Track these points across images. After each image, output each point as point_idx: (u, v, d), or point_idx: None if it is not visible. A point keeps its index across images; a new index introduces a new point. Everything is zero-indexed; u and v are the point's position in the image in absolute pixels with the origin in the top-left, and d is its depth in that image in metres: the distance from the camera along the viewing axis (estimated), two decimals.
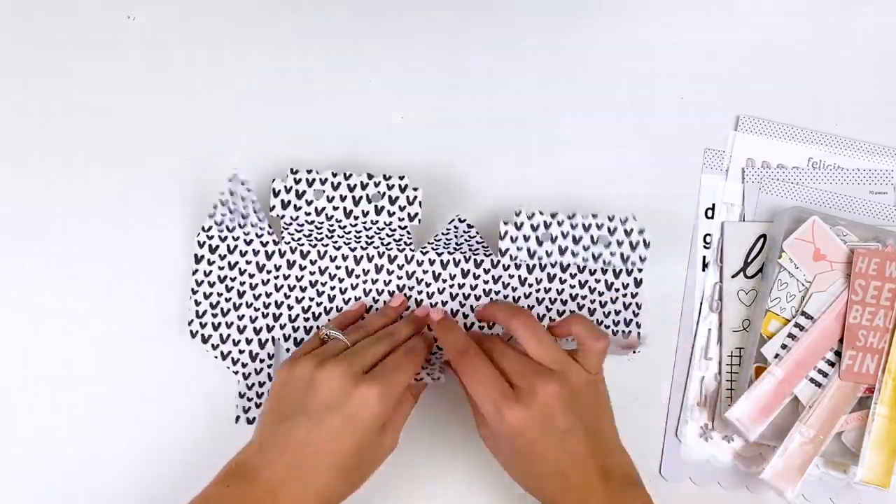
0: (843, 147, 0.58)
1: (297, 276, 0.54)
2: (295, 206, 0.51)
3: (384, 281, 0.54)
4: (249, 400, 0.52)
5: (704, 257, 0.57)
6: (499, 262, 0.54)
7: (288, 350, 0.54)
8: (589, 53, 0.59)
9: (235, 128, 0.57)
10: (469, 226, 0.50)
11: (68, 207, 0.56)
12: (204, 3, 0.59)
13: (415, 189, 0.51)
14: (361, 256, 0.54)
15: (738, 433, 0.54)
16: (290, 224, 0.51)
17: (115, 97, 0.57)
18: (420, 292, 0.54)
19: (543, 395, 0.44)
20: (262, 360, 0.53)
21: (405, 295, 0.54)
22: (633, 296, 0.54)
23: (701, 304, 0.56)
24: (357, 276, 0.54)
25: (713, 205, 0.57)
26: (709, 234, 0.57)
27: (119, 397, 0.53)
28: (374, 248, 0.53)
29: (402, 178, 0.51)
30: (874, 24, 0.61)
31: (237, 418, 0.52)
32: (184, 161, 0.56)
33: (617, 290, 0.54)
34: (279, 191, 0.50)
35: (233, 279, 0.53)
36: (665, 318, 0.56)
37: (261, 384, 0.53)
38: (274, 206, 0.51)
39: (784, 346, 0.53)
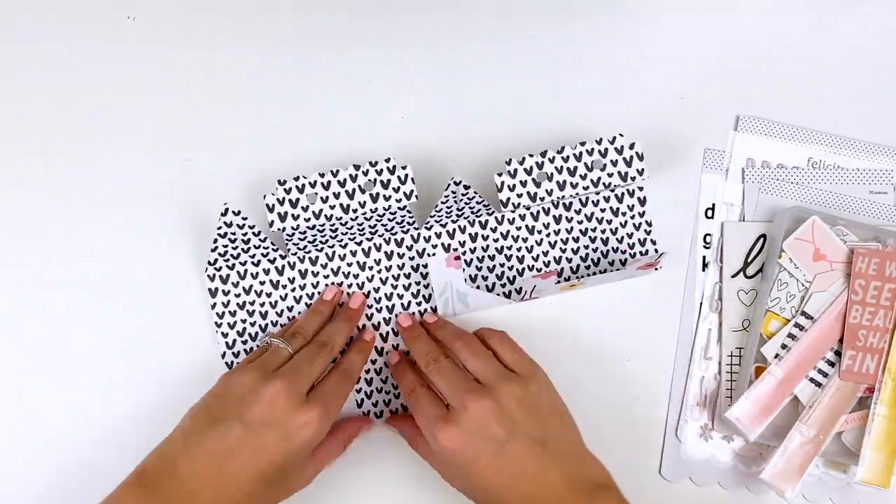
0: (843, 147, 0.58)
1: (312, 284, 0.54)
2: (293, 215, 0.51)
3: (398, 266, 0.54)
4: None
5: (704, 257, 0.57)
6: (503, 216, 0.54)
7: None
8: (589, 53, 0.59)
9: (235, 127, 0.57)
10: (466, 186, 0.50)
11: (67, 207, 0.56)
12: (203, 3, 0.59)
13: (403, 167, 0.51)
14: (370, 248, 0.54)
15: (738, 433, 0.54)
16: (293, 234, 0.51)
17: (115, 97, 0.57)
18: (434, 255, 0.54)
19: (473, 410, 0.45)
20: None
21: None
22: (641, 215, 0.55)
23: (701, 304, 0.56)
24: (371, 269, 0.54)
25: (713, 205, 0.57)
26: (709, 234, 0.57)
27: (121, 400, 0.54)
28: (380, 236, 0.54)
29: (387, 160, 0.51)
30: (874, 23, 0.60)
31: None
32: (183, 161, 0.56)
33: (624, 213, 0.55)
34: (273, 205, 0.50)
35: (252, 303, 0.53)
36: (665, 318, 0.56)
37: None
38: (272, 221, 0.50)
39: (784, 346, 0.53)
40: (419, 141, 0.57)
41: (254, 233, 0.51)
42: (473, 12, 0.60)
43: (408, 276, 0.54)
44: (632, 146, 0.52)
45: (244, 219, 0.50)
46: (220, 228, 0.50)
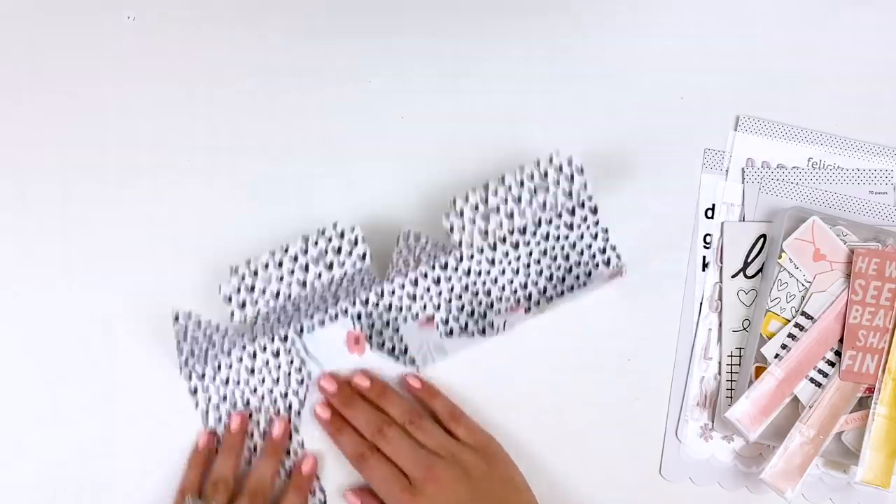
0: (843, 147, 0.58)
1: (288, 362, 0.53)
2: (252, 301, 0.50)
3: (368, 327, 0.53)
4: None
5: (704, 257, 0.57)
6: (462, 255, 0.53)
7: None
8: (589, 53, 0.59)
9: (235, 127, 0.57)
10: (416, 237, 0.50)
11: (67, 207, 0.56)
12: (203, 3, 0.59)
13: (352, 229, 0.51)
14: (336, 313, 0.53)
15: (738, 433, 0.54)
16: (256, 319, 0.51)
17: (115, 97, 0.57)
18: (405, 318, 0.53)
19: (441, 480, 0.47)
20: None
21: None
22: (596, 224, 0.54)
23: (701, 304, 0.56)
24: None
25: (713, 205, 0.57)
26: (709, 234, 0.57)
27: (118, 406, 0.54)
28: (345, 300, 0.53)
29: (334, 225, 0.51)
30: (874, 23, 0.60)
31: None
32: (183, 161, 0.56)
33: (578, 226, 0.54)
34: (230, 296, 0.50)
35: (233, 393, 0.52)
36: (665, 318, 0.56)
37: None
38: (233, 312, 0.50)
39: (784, 346, 0.53)
40: (419, 141, 0.57)
41: (215, 328, 0.50)
42: (473, 12, 0.60)
43: (380, 335, 0.53)
44: (570, 162, 0.52)
45: (198, 319, 0.50)
46: (177, 334, 0.49)
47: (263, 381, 0.52)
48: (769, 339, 0.54)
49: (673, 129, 0.58)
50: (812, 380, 0.53)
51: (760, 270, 0.56)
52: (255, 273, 0.50)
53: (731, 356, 0.55)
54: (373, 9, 0.59)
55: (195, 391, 0.52)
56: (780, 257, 0.54)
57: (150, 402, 0.53)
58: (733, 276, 0.56)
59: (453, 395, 0.53)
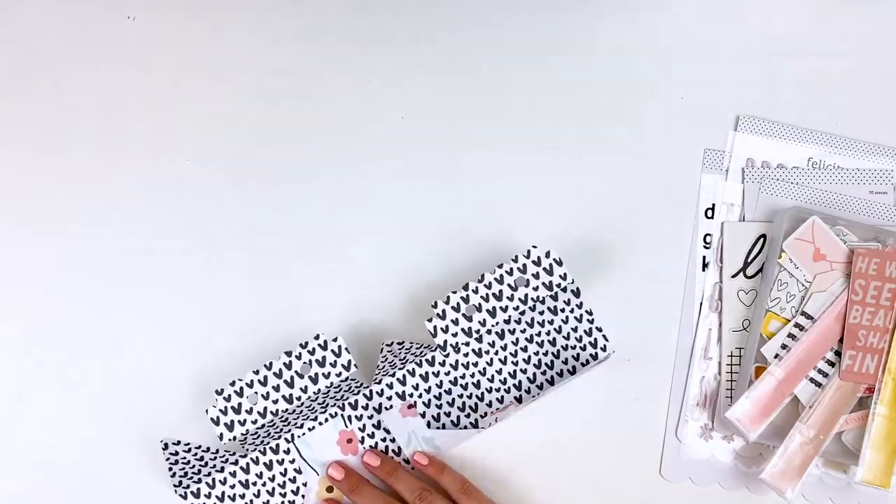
0: (843, 147, 0.58)
1: (281, 472, 0.52)
2: (239, 421, 0.50)
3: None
4: None
5: (704, 257, 0.57)
6: (447, 351, 0.53)
7: None
8: (589, 53, 0.59)
9: (235, 127, 0.57)
10: (399, 342, 0.51)
11: (70, 203, 0.56)
12: (204, 3, 0.59)
13: (335, 340, 0.51)
14: (326, 418, 0.53)
15: (738, 433, 0.54)
16: (245, 438, 0.51)
17: (115, 97, 0.57)
18: (388, 408, 0.53)
19: None
20: None
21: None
22: (579, 306, 0.54)
23: (701, 304, 0.56)
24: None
25: (713, 205, 0.57)
26: (709, 234, 0.57)
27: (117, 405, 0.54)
28: (332, 406, 0.53)
29: (316, 337, 0.51)
30: (874, 23, 0.60)
31: None
32: (184, 161, 0.56)
33: (563, 309, 0.54)
34: (217, 418, 0.50)
35: None
36: (665, 318, 0.56)
37: None
38: (221, 434, 0.50)
39: (784, 346, 0.53)
40: (419, 141, 0.57)
41: (204, 450, 0.51)
42: (473, 11, 0.59)
43: (372, 436, 0.53)
44: (548, 255, 0.52)
45: (186, 445, 0.50)
46: (168, 460, 0.50)
47: (259, 493, 0.52)
48: (769, 339, 0.54)
49: (673, 129, 0.58)
50: (812, 380, 0.53)
51: (760, 270, 0.56)
52: (241, 392, 0.50)
53: (731, 356, 0.55)
54: (373, 8, 0.59)
55: None
56: (780, 257, 0.54)
57: None
58: (733, 276, 0.56)
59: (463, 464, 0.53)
